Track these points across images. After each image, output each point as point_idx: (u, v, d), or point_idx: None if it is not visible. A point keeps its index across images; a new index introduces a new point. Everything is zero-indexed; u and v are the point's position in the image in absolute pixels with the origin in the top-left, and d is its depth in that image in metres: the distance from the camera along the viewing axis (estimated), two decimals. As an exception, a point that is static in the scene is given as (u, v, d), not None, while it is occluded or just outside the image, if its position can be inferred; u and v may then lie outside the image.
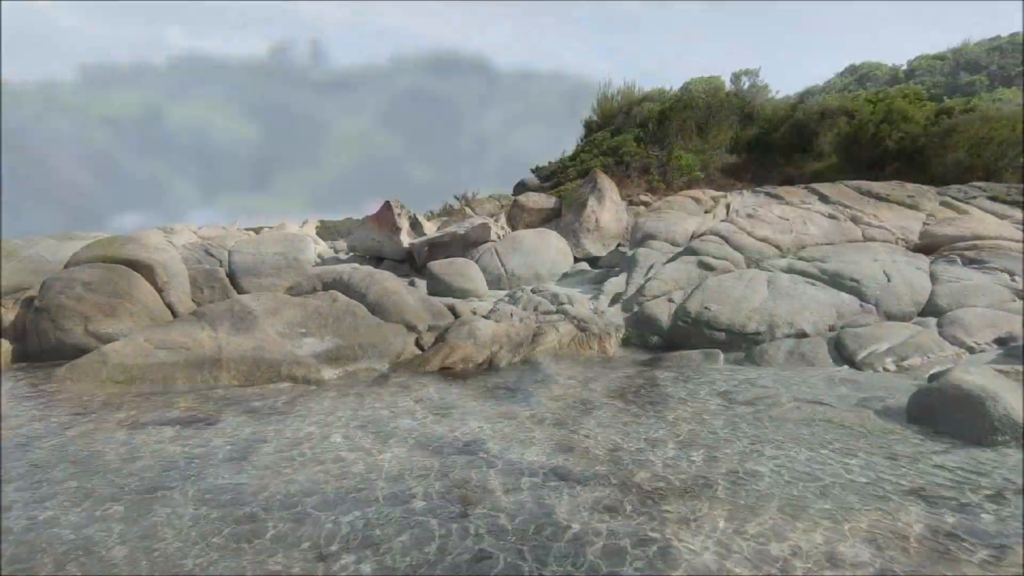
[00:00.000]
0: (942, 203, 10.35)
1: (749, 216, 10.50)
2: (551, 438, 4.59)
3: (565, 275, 11.74)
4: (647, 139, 17.74)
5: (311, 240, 12.66)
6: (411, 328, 7.55)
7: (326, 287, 8.08)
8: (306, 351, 6.51)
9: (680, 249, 9.90)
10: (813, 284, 8.10)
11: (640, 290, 8.71)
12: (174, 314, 7.49)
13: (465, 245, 12.88)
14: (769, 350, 7.00)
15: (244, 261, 9.17)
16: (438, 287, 10.05)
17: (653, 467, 4.02)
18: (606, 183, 13.75)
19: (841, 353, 6.76)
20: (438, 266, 10.34)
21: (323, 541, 3.15)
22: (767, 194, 11.75)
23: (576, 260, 12.63)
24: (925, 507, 3.39)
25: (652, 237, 10.65)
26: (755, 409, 5.22)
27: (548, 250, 12.02)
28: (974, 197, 10.44)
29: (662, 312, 8.03)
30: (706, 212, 11.46)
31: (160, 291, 7.67)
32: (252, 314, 6.84)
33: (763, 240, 9.55)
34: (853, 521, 3.25)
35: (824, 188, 11.43)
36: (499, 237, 13.06)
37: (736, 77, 19.23)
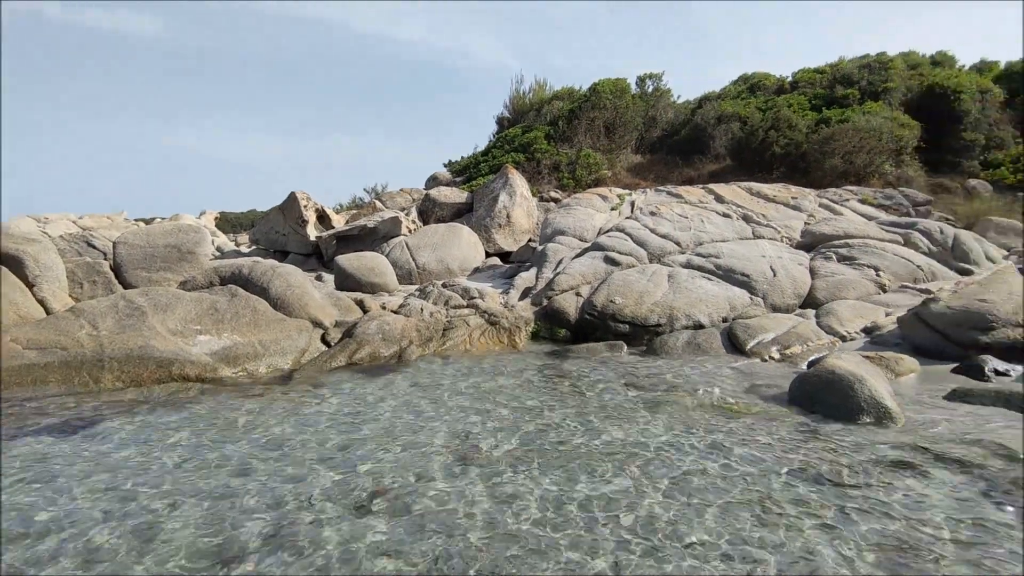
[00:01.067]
0: (821, 204, 11.30)
1: (652, 214, 10.98)
2: (452, 427, 4.61)
3: (477, 270, 11.78)
4: (557, 137, 18.10)
5: (208, 232, 11.92)
6: (317, 324, 7.31)
7: (224, 281, 7.66)
8: (201, 349, 6.14)
9: (588, 245, 10.19)
10: (709, 279, 8.60)
11: (549, 284, 8.90)
12: (47, 311, 6.83)
13: (375, 239, 12.62)
14: (669, 341, 7.37)
15: (132, 254, 8.50)
16: (346, 282, 9.79)
17: (553, 440, 4.14)
18: (517, 179, 13.91)
19: (733, 343, 7.23)
20: (347, 260, 10.06)
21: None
22: (669, 193, 12.33)
23: (488, 255, 12.70)
24: (801, 479, 3.71)
25: (561, 233, 10.90)
26: (654, 395, 5.48)
27: (460, 245, 12.01)
28: (847, 200, 11.46)
29: (570, 306, 8.25)
30: (612, 209, 11.87)
31: (31, 286, 6.95)
32: (140, 310, 6.36)
33: (665, 237, 10.02)
34: (732, 492, 3.50)
35: (720, 188, 12.14)
36: (410, 231, 12.90)
37: (641, 80, 20.00)
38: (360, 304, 8.30)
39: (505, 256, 12.76)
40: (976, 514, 3.26)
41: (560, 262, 9.79)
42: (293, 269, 8.00)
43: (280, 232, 14.01)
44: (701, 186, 12.81)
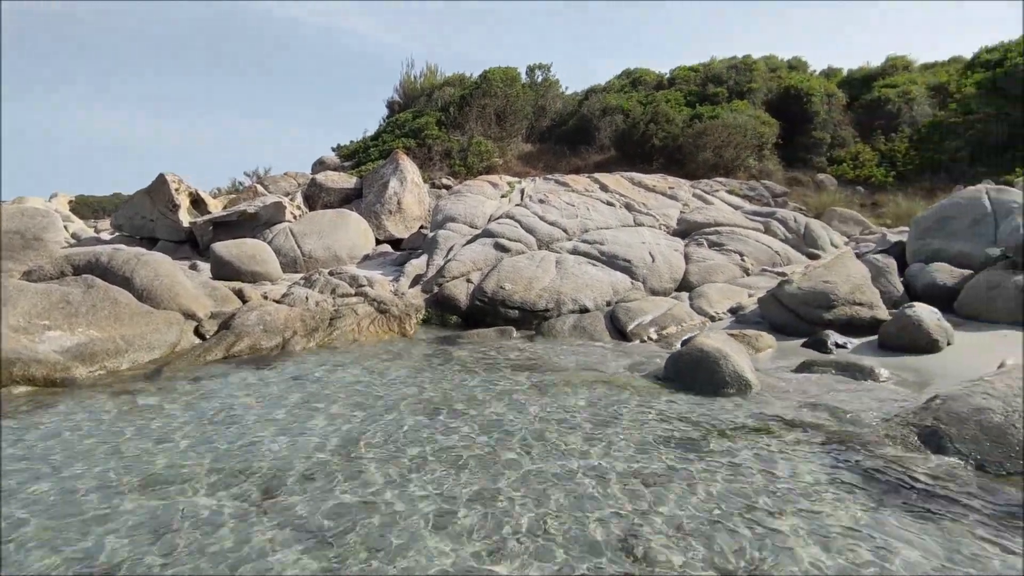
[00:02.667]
0: (694, 194, 12.13)
1: (541, 201, 11.26)
2: (332, 418, 4.52)
3: (366, 257, 11.51)
4: (449, 123, 18.00)
5: (59, 217, 10.71)
6: (190, 315, 6.83)
7: (78, 271, 6.93)
8: (50, 347, 5.54)
9: (479, 232, 10.28)
10: (594, 264, 8.98)
11: (440, 271, 8.89)
12: None
13: (256, 226, 11.93)
14: (556, 325, 7.64)
15: (-40, 241, 7.45)
16: (225, 270, 9.21)
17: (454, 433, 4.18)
18: (408, 165, 13.70)
19: (615, 325, 7.62)
20: (224, 248, 9.46)
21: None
22: (557, 181, 12.69)
23: (378, 242, 12.43)
24: (672, 446, 4.01)
25: (452, 219, 10.90)
26: (540, 376, 5.67)
27: (348, 231, 11.66)
28: (717, 190, 12.40)
29: (461, 292, 8.30)
30: (503, 197, 12.02)
31: None
32: (-27, 305, 5.62)
33: (553, 224, 10.32)
34: (614, 454, 3.73)
35: (604, 178, 12.67)
36: (295, 217, 12.33)
37: (531, 70, 20.31)
38: (239, 294, 7.85)
39: (396, 243, 12.56)
40: (817, 467, 3.69)
41: (451, 249, 9.80)
42: (161, 257, 7.41)
43: (147, 217, 12.86)
44: (587, 175, 13.29)
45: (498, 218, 10.72)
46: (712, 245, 9.85)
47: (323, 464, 3.76)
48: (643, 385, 5.44)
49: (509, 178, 13.69)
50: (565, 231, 10.17)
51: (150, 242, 12.61)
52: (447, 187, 15.01)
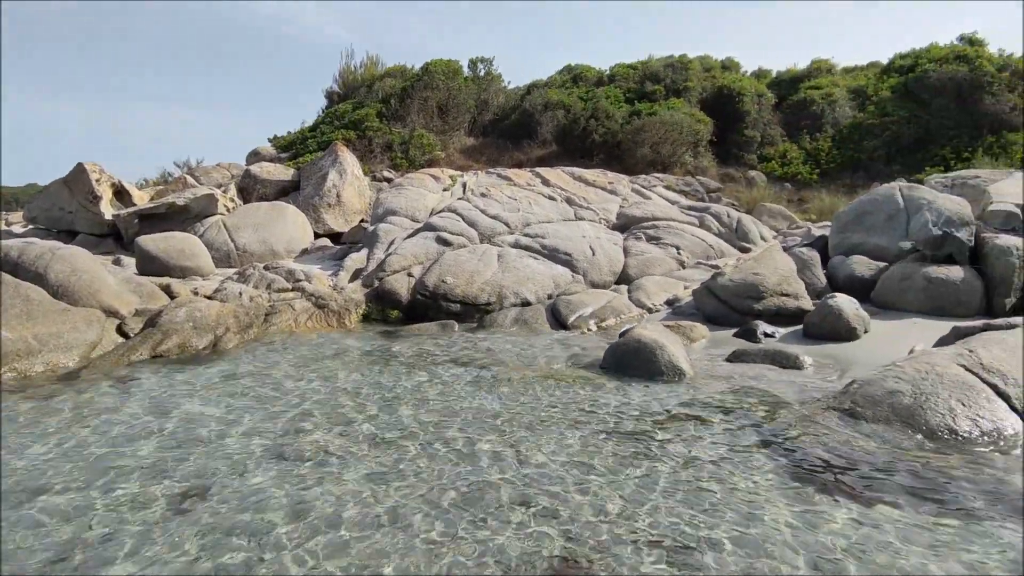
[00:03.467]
0: (633, 189, 12.40)
1: (483, 195, 11.26)
2: (265, 414, 4.41)
3: (305, 251, 11.22)
4: (390, 115, 17.72)
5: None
6: (112, 313, 6.48)
7: (-14, 267, 6.46)
8: (-45, 347, 5.14)
9: (420, 225, 10.19)
10: (535, 258, 9.06)
11: (381, 265, 8.76)
12: None
13: (186, 218, 11.42)
14: (498, 318, 7.67)
15: None
16: (151, 266, 8.78)
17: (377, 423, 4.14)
18: (348, 157, 13.42)
19: (556, 318, 7.72)
20: (151, 241, 9.01)
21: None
22: (499, 175, 12.71)
23: (317, 236, 12.13)
24: (610, 433, 4.11)
25: (393, 213, 10.76)
26: (481, 369, 5.69)
27: (285, 225, 11.33)
28: (655, 186, 12.72)
29: (402, 287, 8.21)
30: (445, 190, 11.96)
31: None
32: None
33: (495, 218, 10.34)
34: (561, 442, 3.79)
35: (546, 172, 12.78)
36: (228, 210, 11.87)
37: (473, 63, 20.21)
38: (167, 290, 7.51)
39: (336, 237, 12.28)
40: (743, 446, 3.86)
41: (392, 243, 9.67)
42: (79, 251, 6.99)
43: (65, 209, 12.09)
44: (529, 170, 13.37)
45: (440, 212, 10.65)
46: (650, 239, 10.11)
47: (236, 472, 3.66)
48: (583, 376, 5.54)
49: (451, 172, 13.62)
50: (507, 225, 10.21)
51: (69, 235, 11.88)
52: (388, 180, 14.78)
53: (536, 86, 19.26)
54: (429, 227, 9.89)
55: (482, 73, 19.96)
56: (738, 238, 10.65)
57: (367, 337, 7.16)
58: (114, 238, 11.76)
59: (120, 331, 6.38)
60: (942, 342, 5.41)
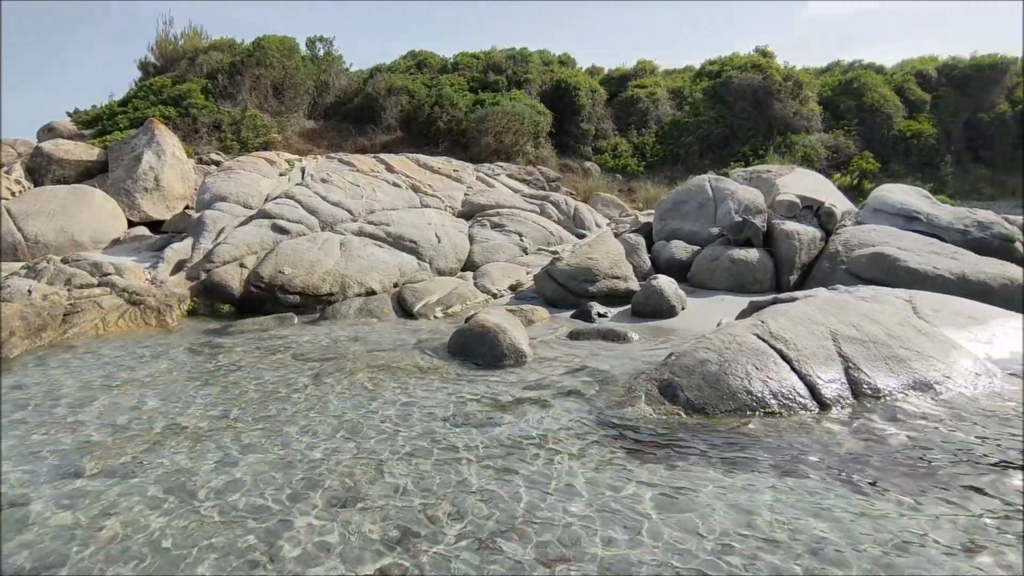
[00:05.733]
0: (478, 177, 12.62)
1: (323, 181, 10.79)
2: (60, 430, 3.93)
3: (117, 242, 10.00)
4: (217, 93, 16.28)
5: None
6: None
7: None
8: None
9: (254, 212, 9.52)
10: (380, 246, 8.89)
11: (208, 256, 8.07)
12: None
13: (-46, 204, 9.59)
14: (341, 309, 7.43)
15: None
16: (-96, 261, 7.26)
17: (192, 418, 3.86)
18: (167, 136, 12.12)
19: (402, 306, 7.66)
20: (-98, 231, 7.45)
21: None
22: (341, 161, 12.25)
23: (132, 224, 10.86)
24: (452, 420, 4.20)
25: (223, 199, 9.93)
26: (322, 361, 5.50)
27: (91, 212, 9.99)
28: (499, 174, 13.07)
29: (234, 278, 7.64)
30: (281, 175, 11.27)
31: None
32: None
33: (337, 204, 9.96)
34: (400, 434, 3.80)
35: (390, 159, 12.56)
36: (13, 194, 10.18)
37: (311, 42, 19.15)
38: (-71, 289, 6.28)
39: (155, 226, 11.06)
40: (574, 420, 4.16)
41: (222, 231, 8.94)
42: None
43: None
44: (373, 156, 13.03)
45: (276, 198, 10.03)
46: (494, 226, 10.37)
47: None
48: (428, 363, 5.58)
49: (289, 156, 12.86)
50: (350, 212, 9.89)
51: None
52: (217, 163, 13.59)
53: (379, 70, 18.76)
54: (264, 214, 9.28)
55: (321, 53, 19.01)
56: (576, 225, 11.30)
57: (193, 334, 6.56)
58: None
59: None
60: (742, 315, 6.21)
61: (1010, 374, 4.85)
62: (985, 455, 3.58)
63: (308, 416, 4.25)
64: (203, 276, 7.72)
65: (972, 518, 2.93)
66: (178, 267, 8.20)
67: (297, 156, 12.95)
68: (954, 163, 17.65)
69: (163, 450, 3.67)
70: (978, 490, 3.18)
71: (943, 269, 7.19)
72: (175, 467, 3.46)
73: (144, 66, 18.62)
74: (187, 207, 11.58)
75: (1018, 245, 8.04)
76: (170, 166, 11.72)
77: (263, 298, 7.47)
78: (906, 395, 4.46)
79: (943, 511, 2.99)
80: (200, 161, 14.05)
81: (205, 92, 16.20)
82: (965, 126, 18.68)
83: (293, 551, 2.71)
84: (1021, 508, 3.01)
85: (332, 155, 12.90)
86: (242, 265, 7.94)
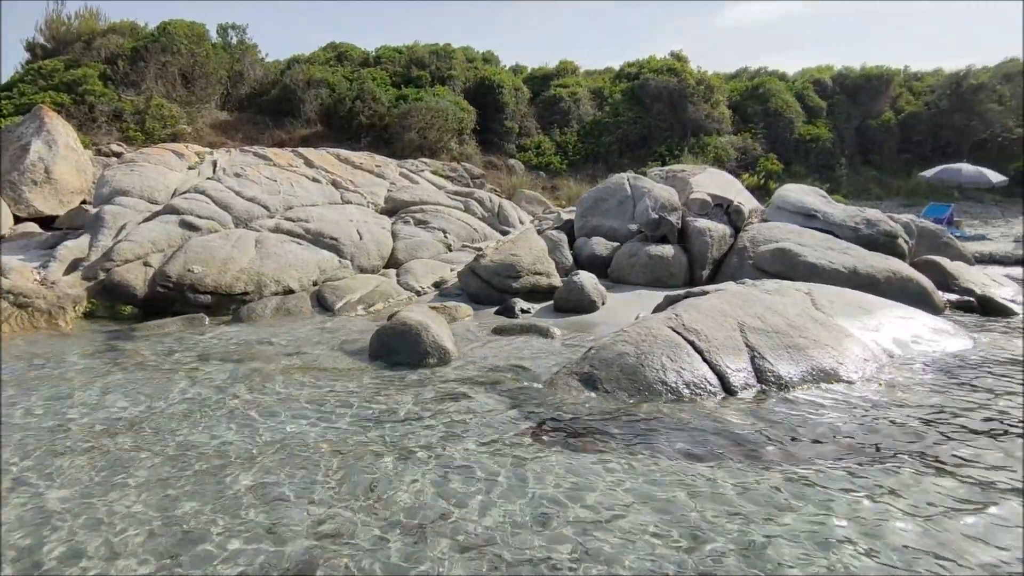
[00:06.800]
0: (401, 173, 12.45)
1: (237, 175, 10.31)
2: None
3: (1, 239, 9.14)
4: (118, 80, 15.24)
5: None
6: None
7: None
8: None
9: (160, 208, 8.97)
10: (299, 243, 8.60)
11: (108, 254, 7.54)
12: None
13: None
14: (257, 309, 7.14)
15: None
16: None
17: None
18: (59, 125, 11.21)
19: (322, 305, 7.46)
20: None
21: None
22: (256, 154, 11.74)
23: (19, 220, 9.99)
24: (373, 421, 4.14)
25: (125, 193, 9.28)
26: (235, 364, 5.27)
27: (-33, 206, 9.07)
28: (422, 170, 12.94)
29: (136, 278, 7.17)
30: (190, 168, 10.67)
31: None
32: None
33: (252, 200, 9.55)
34: (309, 438, 3.71)
35: (309, 153, 12.16)
36: None
37: (223, 30, 18.24)
38: None
39: (47, 222, 10.21)
40: (494, 415, 4.20)
41: (124, 228, 8.37)
42: None
43: None
44: (292, 150, 12.58)
45: (185, 193, 9.49)
46: (418, 223, 10.27)
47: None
48: (348, 363, 5.47)
49: (199, 148, 12.18)
50: (266, 208, 9.51)
51: None
52: (118, 155, 12.71)
53: (298, 61, 18.13)
54: (172, 210, 8.76)
55: (234, 42, 18.15)
56: (500, 222, 11.37)
57: (91, 337, 6.12)
58: None
59: None
60: (658, 309, 6.45)
61: (891, 357, 5.32)
62: (849, 436, 3.92)
63: (218, 421, 4.07)
64: (102, 276, 7.20)
65: (815, 485, 3.21)
66: (73, 266, 7.61)
67: (209, 149, 12.30)
68: (848, 165, 19.11)
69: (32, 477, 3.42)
70: (836, 461, 3.48)
71: (837, 263, 7.77)
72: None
73: (32, 47, 17.15)
74: (84, 202, 10.77)
75: (901, 241, 8.81)
76: (63, 157, 10.84)
77: (171, 298, 7.05)
78: (804, 381, 4.80)
79: (806, 483, 3.25)
80: (99, 152, 13.10)
81: (104, 78, 15.11)
82: (857, 131, 20.26)
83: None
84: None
85: (247, 148, 12.34)
86: (146, 264, 7.47)
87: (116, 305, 6.93)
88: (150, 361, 5.38)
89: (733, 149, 17.52)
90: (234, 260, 7.68)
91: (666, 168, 11.45)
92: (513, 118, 17.31)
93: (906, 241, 8.90)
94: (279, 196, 9.93)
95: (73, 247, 7.87)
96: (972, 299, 7.73)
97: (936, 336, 6.07)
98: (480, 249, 9.47)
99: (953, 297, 7.82)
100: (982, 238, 13.71)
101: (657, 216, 8.89)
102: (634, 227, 9.20)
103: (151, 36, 16.28)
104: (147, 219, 8.58)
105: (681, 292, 6.50)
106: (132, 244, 7.72)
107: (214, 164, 11.09)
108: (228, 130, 15.84)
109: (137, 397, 4.49)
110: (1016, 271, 10.03)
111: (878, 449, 3.70)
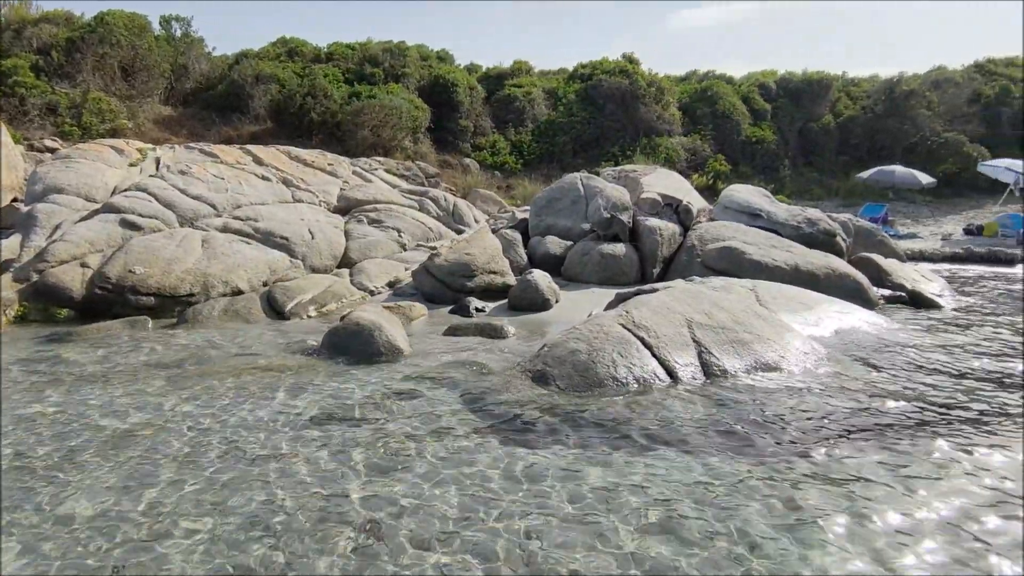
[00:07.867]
0: (354, 172, 12.29)
1: (182, 173, 9.98)
2: None
3: (-79, 239, 8.59)
4: (52, 71, 14.55)
5: None
6: None
7: None
8: None
9: (98, 206, 8.61)
10: (248, 243, 8.40)
11: (42, 254, 7.20)
12: None
13: None
14: (204, 311, 6.94)
15: None
16: None
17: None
18: (-15, 119, 10.59)
19: (273, 306, 7.30)
20: None
21: None
22: (202, 151, 11.39)
23: (-59, 219, 9.38)
24: (324, 421, 4.09)
25: (59, 191, 8.87)
26: (181, 370, 5.13)
27: None
28: (376, 169, 12.80)
29: (73, 280, 6.87)
30: (132, 165, 10.27)
31: None
32: None
33: (198, 198, 9.27)
34: (269, 437, 3.65)
35: (258, 151, 11.87)
36: None
37: (166, 21, 17.61)
38: None
39: (-28, 221, 9.65)
40: (446, 413, 4.22)
41: (59, 227, 8.01)
42: None
43: None
44: (240, 147, 12.25)
45: (126, 191, 9.14)
46: (372, 222, 10.16)
47: None
48: (299, 364, 5.38)
49: (141, 144, 11.73)
50: (213, 207, 9.24)
51: None
52: (52, 151, 12.12)
53: (246, 56, 17.65)
54: (111, 208, 8.42)
55: (178, 34, 17.54)
56: (455, 221, 11.36)
57: (24, 342, 5.83)
58: None
59: None
60: (609, 306, 6.58)
61: (828, 349, 5.58)
62: (784, 427, 4.11)
63: (159, 429, 3.95)
64: (35, 277, 6.87)
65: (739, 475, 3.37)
66: (4, 268, 7.23)
67: (151, 145, 11.87)
68: (791, 166, 19.84)
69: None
70: (759, 448, 3.65)
71: (780, 261, 8.08)
72: None
73: (-45, 36, 16.15)
74: (15, 199, 10.22)
75: (839, 240, 9.22)
76: (-8, 153, 10.26)
77: (110, 300, 6.79)
78: (748, 374, 4.99)
79: (741, 468, 3.41)
80: (31, 148, 12.47)
81: (36, 70, 14.39)
82: (799, 134, 21.06)
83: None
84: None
85: (193, 145, 11.95)
86: (84, 264, 7.17)
87: (50, 308, 6.63)
88: (86, 369, 5.17)
89: (683, 150, 17.95)
90: (179, 260, 7.45)
91: (618, 168, 11.65)
92: (468, 117, 17.30)
93: (844, 239, 9.32)
94: (227, 194, 9.66)
95: (6, 247, 7.48)
96: (904, 294, 8.17)
97: (870, 329, 6.39)
98: (435, 248, 9.44)
99: (887, 292, 8.25)
100: (913, 236, 14.50)
101: (609, 215, 9.05)
102: (587, 226, 9.34)
103: (88, 27, 15.58)
104: (84, 218, 8.23)
105: (632, 290, 6.63)
106: (68, 244, 7.39)
107: (157, 161, 10.71)
108: (172, 126, 15.30)
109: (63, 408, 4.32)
110: (943, 267, 10.64)
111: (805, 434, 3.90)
